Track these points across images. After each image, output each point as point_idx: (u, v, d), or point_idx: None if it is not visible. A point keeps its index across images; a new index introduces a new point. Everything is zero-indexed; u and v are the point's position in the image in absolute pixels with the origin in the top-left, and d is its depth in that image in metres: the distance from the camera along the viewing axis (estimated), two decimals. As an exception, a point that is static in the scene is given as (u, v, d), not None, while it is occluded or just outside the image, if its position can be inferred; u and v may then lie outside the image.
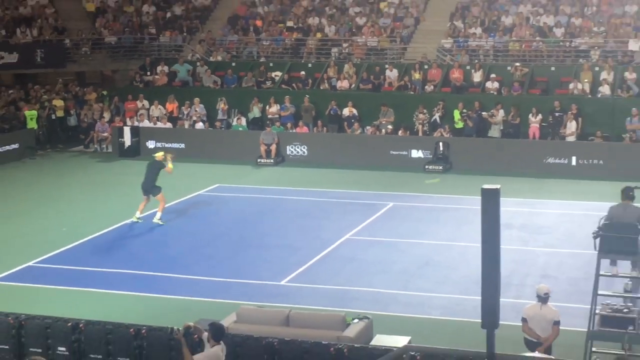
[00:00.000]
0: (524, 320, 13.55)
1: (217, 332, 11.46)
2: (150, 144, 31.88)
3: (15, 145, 32.16)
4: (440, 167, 29.09)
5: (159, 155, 23.33)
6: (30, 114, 33.37)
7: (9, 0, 39.79)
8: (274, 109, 32.55)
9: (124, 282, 18.23)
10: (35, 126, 33.44)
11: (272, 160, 30.68)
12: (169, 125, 33.24)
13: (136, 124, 32.93)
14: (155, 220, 22.65)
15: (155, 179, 22.76)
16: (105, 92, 36.31)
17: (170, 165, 22.99)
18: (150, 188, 22.72)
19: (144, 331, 13.13)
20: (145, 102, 34.02)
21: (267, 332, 13.20)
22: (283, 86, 34.12)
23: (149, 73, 36.19)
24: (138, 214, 22.79)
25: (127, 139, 31.95)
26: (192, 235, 21.97)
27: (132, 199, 23.94)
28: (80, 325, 13.40)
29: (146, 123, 33.17)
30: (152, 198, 22.83)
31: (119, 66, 38.48)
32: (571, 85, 31.36)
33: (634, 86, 30.65)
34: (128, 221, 22.88)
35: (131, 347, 12.86)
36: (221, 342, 11.40)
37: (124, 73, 37.91)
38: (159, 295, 17.48)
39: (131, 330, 13.22)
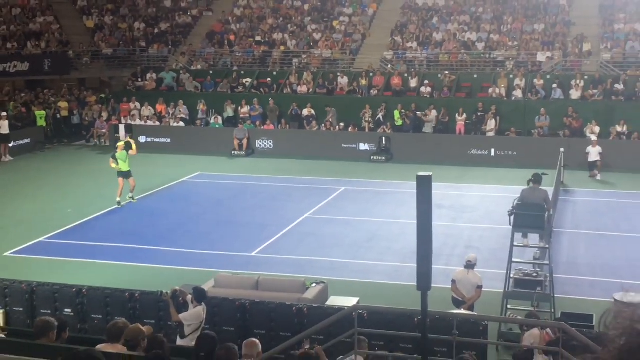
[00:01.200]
0: (453, 282, 13.80)
1: (199, 295, 11.58)
2: (142, 139, 31.67)
3: (28, 140, 32.16)
4: (383, 158, 29.24)
5: (120, 145, 23.34)
6: (40, 114, 33.50)
7: (20, 18, 39.42)
8: (245, 109, 32.54)
9: (120, 254, 18.17)
10: (44, 124, 33.52)
11: (243, 153, 30.66)
12: (157, 123, 33.07)
13: (130, 122, 32.75)
14: (128, 197, 22.86)
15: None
16: (103, 95, 36.09)
17: (134, 147, 23.32)
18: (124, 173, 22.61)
19: (137, 295, 13.21)
20: (137, 104, 33.73)
21: (240, 295, 13.32)
22: (252, 91, 34.01)
23: (140, 79, 35.96)
24: (118, 199, 22.57)
25: (122, 135, 31.66)
26: (177, 214, 21.96)
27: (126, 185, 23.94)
28: (83, 290, 13.46)
29: (138, 121, 33.01)
30: (125, 181, 22.68)
31: (115, 73, 38.25)
32: (490, 90, 31.65)
33: (541, 90, 31.05)
34: (122, 204, 22.83)
35: (126, 308, 12.93)
36: (202, 303, 11.52)
37: (119, 79, 37.69)
38: (149, 265, 17.55)
39: (126, 294, 13.29)
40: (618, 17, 35.05)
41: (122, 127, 31.77)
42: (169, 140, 31.74)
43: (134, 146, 23.56)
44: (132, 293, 13.27)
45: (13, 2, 40.48)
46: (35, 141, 32.58)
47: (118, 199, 22.60)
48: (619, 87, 30.43)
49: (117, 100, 34.86)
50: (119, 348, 8.65)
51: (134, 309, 12.92)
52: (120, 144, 23.68)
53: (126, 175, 22.66)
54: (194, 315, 11.33)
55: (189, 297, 11.82)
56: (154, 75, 35.73)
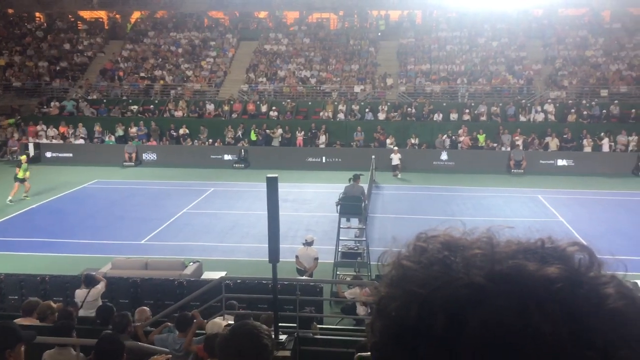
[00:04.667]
0: (296, 256, 14.01)
1: (88, 279, 11.01)
2: (48, 154, 30.53)
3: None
4: (242, 165, 29.16)
5: (23, 158, 23.40)
6: None
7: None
8: (133, 129, 31.47)
9: (31, 246, 17.28)
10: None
11: (133, 163, 29.70)
12: (61, 141, 31.47)
13: (37, 141, 31.14)
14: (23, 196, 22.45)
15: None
16: (13, 120, 33.82)
17: (22, 161, 22.98)
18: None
19: (47, 278, 12.61)
20: (44, 126, 32.05)
21: (132, 274, 12.98)
22: (139, 115, 32.96)
23: (45, 107, 34.04)
24: (10, 198, 22.01)
25: (32, 151, 30.37)
26: (79, 213, 21.01)
27: (37, 190, 22.67)
28: (1, 276, 12.71)
29: (44, 140, 31.32)
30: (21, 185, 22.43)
31: (24, 102, 35.89)
32: (321, 113, 32.27)
33: (357, 113, 31.99)
34: (34, 205, 21.59)
35: (38, 289, 12.29)
36: (101, 282, 11.06)
37: (27, 106, 35.36)
38: (57, 254, 16.69)
39: (38, 278, 12.67)
40: (409, 60, 36.69)
41: (31, 145, 30.42)
42: (71, 154, 30.27)
43: (22, 160, 23.19)
44: (42, 277, 12.63)
45: None
46: (-44, 158, 30.18)
47: (10, 198, 21.89)
48: (412, 110, 31.87)
49: (26, 124, 32.80)
50: (32, 320, 8.28)
51: (45, 289, 12.29)
52: (23, 157, 23.49)
53: (22, 181, 22.35)
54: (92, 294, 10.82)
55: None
56: (57, 103, 33.92)
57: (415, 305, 0.73)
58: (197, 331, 8.34)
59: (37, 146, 30.72)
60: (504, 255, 0.75)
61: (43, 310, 8.43)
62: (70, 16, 42.52)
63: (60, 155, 30.41)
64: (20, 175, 22.26)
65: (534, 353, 0.67)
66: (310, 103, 33.62)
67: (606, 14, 39.31)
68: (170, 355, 7.08)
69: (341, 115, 32.02)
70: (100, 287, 10.80)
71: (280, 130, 30.92)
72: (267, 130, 31.02)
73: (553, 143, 29.35)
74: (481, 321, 0.69)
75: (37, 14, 42.84)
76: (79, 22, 42.34)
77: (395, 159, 27.83)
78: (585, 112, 31.16)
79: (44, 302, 8.97)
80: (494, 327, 0.68)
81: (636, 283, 10.55)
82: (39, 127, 32.13)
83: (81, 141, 31.48)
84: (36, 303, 8.79)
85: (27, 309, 8.58)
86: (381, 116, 31.80)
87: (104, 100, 34.24)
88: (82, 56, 39.01)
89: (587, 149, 29.21)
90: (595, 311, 0.70)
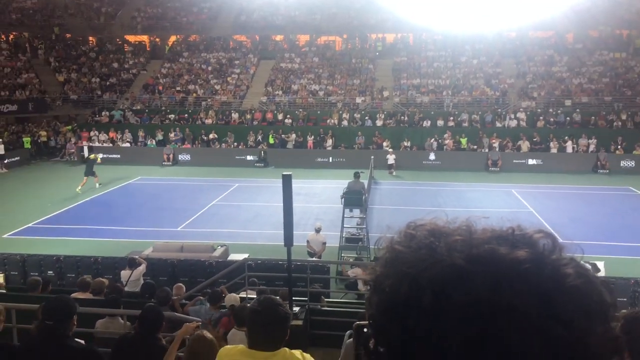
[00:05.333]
0: (307, 241, 14.01)
1: (131, 261, 11.04)
2: (100, 155, 30.43)
3: (18, 158, 30.09)
4: (262, 165, 29.20)
5: (92, 156, 24.33)
6: (26, 140, 31.60)
7: (10, 74, 36.58)
8: (171, 135, 31.61)
9: (86, 232, 17.37)
10: (29, 147, 31.52)
11: (170, 163, 29.76)
12: (110, 145, 31.56)
13: (90, 144, 31.29)
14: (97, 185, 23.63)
15: (92, 168, 23.54)
16: (70, 127, 33.98)
17: (99, 159, 24.56)
18: (90, 173, 23.28)
19: (99, 259, 12.65)
20: (96, 132, 32.22)
21: (170, 256, 13.00)
22: (175, 122, 33.09)
23: (97, 115, 34.22)
24: (79, 188, 22.68)
25: (86, 153, 30.51)
26: (126, 204, 21.10)
27: (93, 186, 22.81)
28: (61, 258, 12.76)
29: (97, 144, 31.36)
30: (91, 178, 23.34)
31: (79, 111, 36.10)
32: (328, 121, 32.24)
33: (359, 121, 31.94)
34: (88, 198, 21.72)
35: (92, 269, 12.34)
36: (142, 264, 11.09)
37: (82, 115, 35.55)
38: (106, 239, 16.78)
39: (91, 259, 12.71)
40: (403, 75, 36.56)
41: (85, 148, 30.59)
42: (119, 156, 30.30)
43: (99, 159, 24.62)
44: (95, 258, 12.70)
45: (4, 63, 37.50)
46: (23, 158, 30.51)
47: (79, 188, 22.70)
48: (405, 118, 31.77)
49: (81, 130, 32.99)
50: (87, 295, 8.31)
51: (97, 269, 12.35)
52: (92, 156, 24.41)
53: (93, 174, 23.53)
54: (136, 274, 10.85)
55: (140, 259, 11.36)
56: (107, 113, 34.05)
57: (406, 283, 0.73)
58: (221, 304, 8.35)
59: (90, 149, 30.77)
60: (480, 241, 0.75)
61: (97, 286, 8.46)
62: (118, 40, 42.65)
63: (110, 156, 30.43)
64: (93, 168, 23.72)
65: (506, 323, 0.68)
66: (319, 112, 33.53)
67: (570, 36, 38.97)
68: (200, 322, 7.10)
69: (345, 122, 31.96)
70: (142, 268, 10.84)
71: (293, 135, 30.88)
72: (283, 135, 30.98)
73: (524, 145, 29.18)
74: (461, 296, 0.69)
75: (90, 38, 42.99)
76: (125, 45, 42.43)
77: (391, 159, 27.76)
78: (552, 119, 30.98)
79: (96, 279, 9.01)
80: (472, 301, 0.69)
81: (595, 264, 10.48)
82: (91, 133, 32.29)
83: (127, 144, 31.58)
84: (90, 280, 8.83)
85: (82, 285, 8.62)
86: (379, 123, 31.72)
87: (146, 110, 34.31)
88: (128, 73, 39.11)
89: (554, 150, 29.03)
90: (557, 288, 0.70)
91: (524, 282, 0.69)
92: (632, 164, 27.71)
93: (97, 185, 23.61)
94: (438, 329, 0.69)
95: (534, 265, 0.71)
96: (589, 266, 0.82)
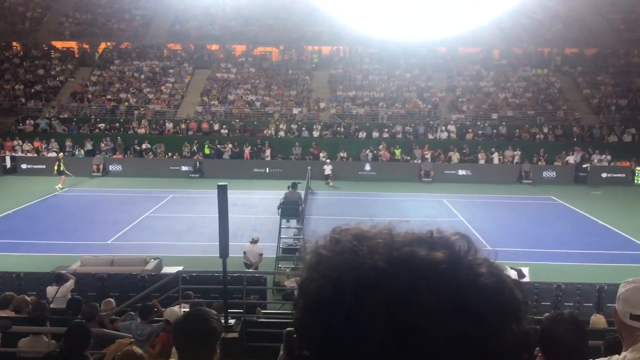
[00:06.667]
0: (244, 253, 13.86)
1: (58, 277, 10.58)
2: (23, 166, 29.17)
3: None
4: (198, 175, 28.71)
5: (60, 155, 26.20)
6: None
7: None
8: (102, 144, 30.49)
9: (7, 247, 16.39)
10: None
11: (100, 174, 28.73)
12: (35, 155, 30.06)
13: (13, 154, 29.66)
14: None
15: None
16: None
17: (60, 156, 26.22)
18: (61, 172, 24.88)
19: (22, 275, 11.99)
20: (19, 141, 30.58)
21: (100, 270, 12.50)
22: (106, 132, 31.96)
23: (20, 124, 32.47)
24: (60, 185, 24.60)
25: (8, 163, 28.94)
26: (52, 217, 20.11)
27: (14, 198, 21.54)
28: (-20, 275, 11.99)
29: (20, 154, 29.88)
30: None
31: (1, 120, 34.09)
32: (265, 131, 32.14)
33: (296, 132, 32.05)
34: (10, 211, 20.51)
35: (14, 285, 11.66)
36: (70, 279, 10.62)
37: (4, 124, 33.62)
38: (31, 254, 15.89)
39: (13, 274, 12.03)
40: (339, 87, 37.03)
41: (8, 158, 29.06)
42: (44, 166, 28.78)
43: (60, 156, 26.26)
44: (17, 274, 12.01)
45: None
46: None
47: (60, 186, 24.65)
48: (341, 129, 32.17)
49: (4, 139, 31.19)
50: (8, 312, 7.86)
51: (20, 285, 11.67)
52: (61, 154, 26.54)
53: (62, 173, 25.02)
54: (63, 290, 10.38)
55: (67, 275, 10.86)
56: (32, 121, 32.39)
57: (329, 285, 0.75)
58: (155, 318, 8.12)
59: (13, 159, 29.32)
60: (400, 244, 0.78)
61: (18, 304, 8.02)
62: (44, 46, 40.79)
63: (34, 166, 29.09)
64: (62, 168, 24.92)
65: (422, 319, 0.71)
66: (255, 122, 33.40)
67: (496, 52, 40.93)
68: (133, 339, 6.86)
69: (282, 133, 31.98)
70: (69, 284, 10.36)
71: (230, 145, 30.57)
72: (219, 145, 30.61)
73: (455, 156, 30.25)
74: (380, 297, 0.72)
75: (14, 44, 40.89)
76: (52, 51, 40.63)
77: (328, 169, 28.02)
78: (480, 132, 32.31)
79: (19, 296, 8.54)
80: (391, 302, 0.71)
81: (520, 270, 10.97)
82: (15, 142, 30.63)
83: (53, 154, 30.12)
84: (12, 297, 8.36)
85: (3, 303, 8.15)
86: (315, 134, 31.96)
87: (74, 119, 32.95)
88: (55, 80, 37.41)
89: (482, 161, 30.25)
90: (471, 286, 0.74)
91: (440, 281, 0.73)
92: (553, 174, 29.32)
93: (59, 187, 24.51)
94: (358, 329, 0.71)
95: (450, 265, 0.75)
96: (506, 267, 0.86)
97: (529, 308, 0.81)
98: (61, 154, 27.02)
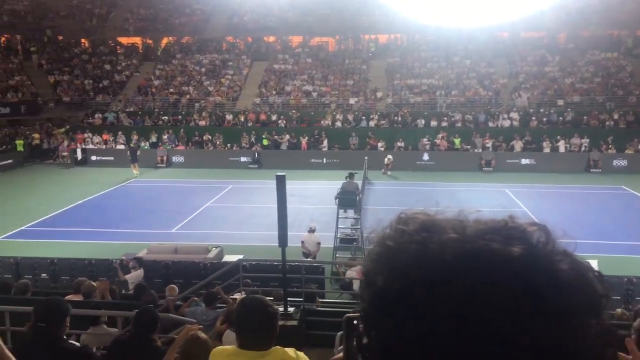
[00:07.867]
0: (302, 242, 13.99)
1: (139, 261, 11.13)
2: (93, 158, 30.64)
3: (10, 161, 29.96)
4: (256, 166, 29.18)
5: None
6: (19, 142, 31.56)
7: (2, 76, 36.38)
8: (165, 136, 31.51)
9: (80, 235, 17.26)
10: (22, 149, 31.41)
11: (164, 165, 29.71)
12: (104, 147, 31.49)
13: (84, 146, 31.19)
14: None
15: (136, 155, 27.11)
16: (63, 129, 33.88)
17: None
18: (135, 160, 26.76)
19: (93, 261, 12.59)
20: (89, 134, 32.08)
21: (165, 258, 12.96)
22: (169, 124, 33.01)
23: (90, 118, 34.08)
24: (135, 172, 26.22)
25: (79, 155, 30.47)
26: (120, 207, 21.02)
27: (85, 188, 22.65)
28: (55, 260, 12.68)
29: (90, 146, 31.33)
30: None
31: (72, 114, 35.98)
32: (322, 122, 32.23)
33: (352, 122, 31.95)
34: (81, 201, 21.59)
35: (86, 271, 12.27)
36: (141, 267, 11.10)
37: (75, 118, 35.42)
38: (102, 241, 16.69)
39: (85, 261, 12.65)
40: (396, 76, 36.60)
41: (79, 150, 30.57)
42: (112, 158, 30.19)
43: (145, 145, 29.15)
44: (90, 260, 12.64)
45: (-5, 65, 37.40)
46: (16, 161, 30.33)
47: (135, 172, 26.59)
48: (398, 119, 31.81)
49: (74, 132, 32.84)
50: (79, 297, 8.28)
51: (92, 271, 12.29)
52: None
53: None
54: (135, 276, 10.91)
55: (131, 263, 11.36)
56: (100, 115, 33.92)
57: (397, 279, 0.72)
58: (219, 304, 8.33)
59: (84, 151, 30.83)
60: (473, 236, 0.73)
61: (87, 289, 8.42)
62: (110, 42, 42.51)
63: (103, 158, 30.43)
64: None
65: (498, 321, 0.67)
66: (312, 113, 33.50)
67: (562, 36, 39.16)
68: (202, 326, 7.08)
69: (339, 123, 31.95)
70: (140, 272, 10.85)
71: (287, 136, 30.84)
72: (277, 136, 30.95)
73: (517, 145, 29.27)
74: (451, 294, 0.68)
75: (83, 40, 42.83)
76: (117, 47, 42.30)
77: (386, 159, 27.81)
78: (544, 119, 31.09)
79: (86, 282, 8.97)
80: (463, 299, 0.68)
81: (588, 263, 10.51)
82: (85, 135, 32.12)
83: (121, 146, 31.43)
84: (83, 282, 8.78)
85: (75, 287, 8.58)
86: (372, 123, 31.73)
87: (140, 112, 34.20)
88: (121, 75, 38.99)
89: (547, 150, 29.14)
90: (549, 282, 0.69)
91: (516, 278, 0.68)
92: (624, 162, 27.86)
93: (136, 173, 26.12)
94: (428, 325, 0.68)
95: (527, 260, 0.70)
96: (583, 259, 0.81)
97: (609, 301, 0.75)
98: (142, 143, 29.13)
